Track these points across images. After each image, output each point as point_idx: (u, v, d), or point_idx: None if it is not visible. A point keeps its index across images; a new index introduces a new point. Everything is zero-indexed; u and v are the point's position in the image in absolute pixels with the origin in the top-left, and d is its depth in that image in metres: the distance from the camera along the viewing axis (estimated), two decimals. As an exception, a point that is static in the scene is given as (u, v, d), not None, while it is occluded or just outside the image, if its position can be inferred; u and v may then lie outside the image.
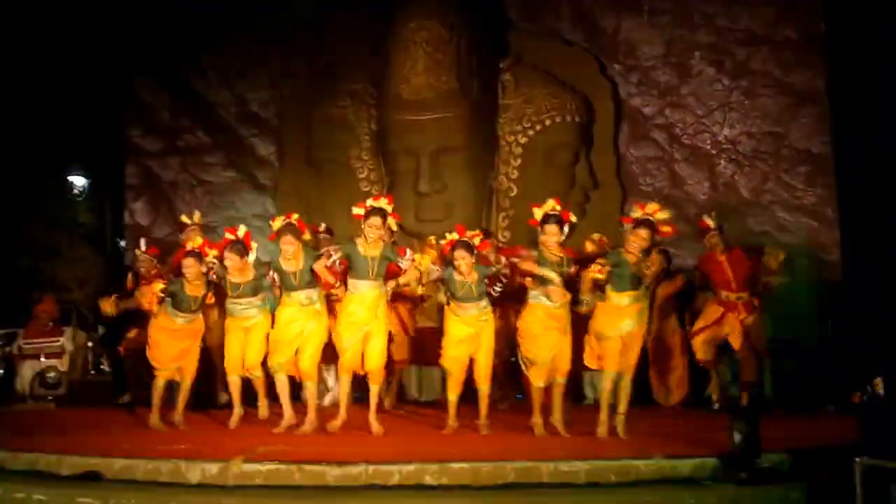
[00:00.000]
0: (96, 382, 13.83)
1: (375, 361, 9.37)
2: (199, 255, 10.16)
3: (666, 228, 9.74)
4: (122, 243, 16.37)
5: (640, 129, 14.32)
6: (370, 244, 9.25)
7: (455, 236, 9.67)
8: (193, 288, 10.03)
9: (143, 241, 12.22)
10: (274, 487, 7.27)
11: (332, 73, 15.34)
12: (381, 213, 9.31)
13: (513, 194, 14.24)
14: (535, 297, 9.16)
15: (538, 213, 9.17)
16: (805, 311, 12.90)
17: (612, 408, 9.03)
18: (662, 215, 9.44)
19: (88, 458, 7.87)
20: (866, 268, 12.77)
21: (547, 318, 9.13)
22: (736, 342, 10.96)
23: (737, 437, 7.28)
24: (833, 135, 13.54)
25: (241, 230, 10.00)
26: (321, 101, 15.09)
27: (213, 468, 7.44)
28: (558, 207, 9.22)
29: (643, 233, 8.87)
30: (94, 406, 12.41)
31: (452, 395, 9.69)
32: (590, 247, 11.58)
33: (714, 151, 14.02)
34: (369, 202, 9.42)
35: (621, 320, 8.92)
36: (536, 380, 9.19)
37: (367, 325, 9.30)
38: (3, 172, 16.30)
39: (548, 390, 9.38)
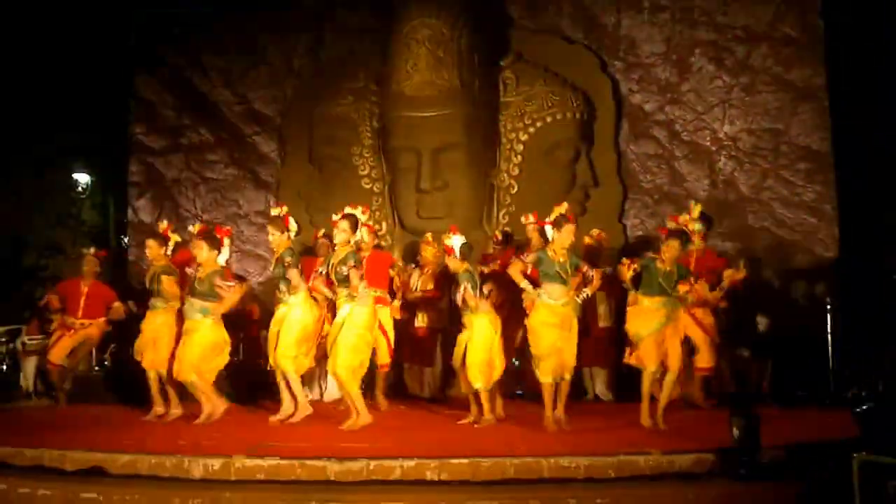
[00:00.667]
0: (100, 379, 13.86)
1: (333, 366, 9.74)
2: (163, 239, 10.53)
3: (697, 239, 10.69)
4: (126, 240, 16.43)
5: (640, 127, 14.32)
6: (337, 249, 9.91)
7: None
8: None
9: (92, 248, 12.70)
10: (276, 482, 7.39)
11: (333, 72, 15.37)
12: (352, 219, 9.99)
13: (514, 191, 14.25)
14: (540, 295, 9.50)
15: (555, 212, 9.81)
16: (804, 307, 13.00)
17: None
18: (695, 226, 10.69)
19: (92, 454, 8.00)
20: (865, 264, 12.82)
21: (551, 316, 9.43)
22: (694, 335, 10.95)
23: (736, 432, 7.40)
24: (832, 131, 13.57)
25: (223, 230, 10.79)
26: (323, 98, 15.11)
27: (215, 463, 7.59)
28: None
29: (674, 243, 9.61)
30: (97, 402, 12.46)
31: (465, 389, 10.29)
32: (588, 242, 11.74)
33: (714, 148, 14.01)
34: (347, 209, 10.16)
35: (651, 322, 9.47)
36: (544, 376, 9.47)
37: (336, 330, 9.70)
38: (7, 170, 16.40)
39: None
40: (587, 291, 9.62)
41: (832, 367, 11.70)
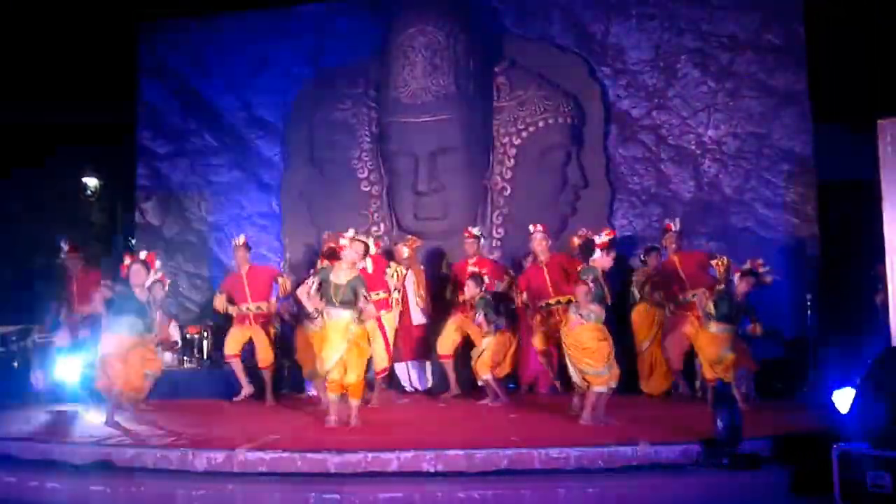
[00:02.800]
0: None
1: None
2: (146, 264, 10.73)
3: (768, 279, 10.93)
4: (133, 242, 16.64)
5: (628, 130, 14.53)
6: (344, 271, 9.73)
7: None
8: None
9: (64, 242, 12.93)
10: (277, 474, 7.61)
11: (333, 78, 15.57)
12: (366, 246, 10.07)
13: (507, 193, 14.46)
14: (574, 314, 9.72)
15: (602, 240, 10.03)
16: (786, 304, 13.17)
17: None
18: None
19: (100, 448, 8.27)
20: (844, 263, 13.06)
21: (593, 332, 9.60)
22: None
23: (720, 424, 7.60)
24: (813, 135, 13.80)
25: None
26: (323, 104, 15.32)
27: (218, 456, 7.82)
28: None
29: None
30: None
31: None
32: (577, 242, 12.06)
33: (699, 151, 14.24)
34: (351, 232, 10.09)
35: (721, 348, 10.43)
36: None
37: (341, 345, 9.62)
38: (20, 175, 16.56)
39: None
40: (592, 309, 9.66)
41: (812, 361, 12.00)
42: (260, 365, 12.28)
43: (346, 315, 9.57)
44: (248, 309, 12.36)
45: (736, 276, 10.66)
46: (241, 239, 12.70)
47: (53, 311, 13.30)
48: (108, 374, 10.01)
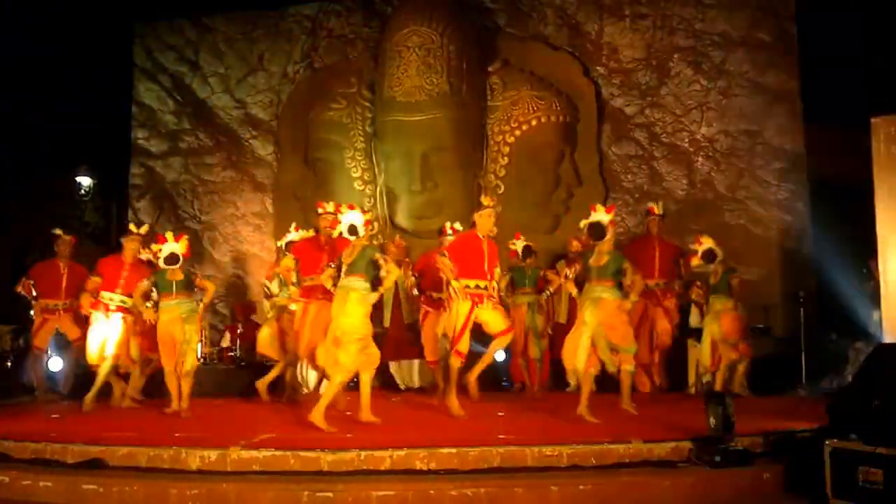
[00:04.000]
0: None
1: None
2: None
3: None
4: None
5: (621, 129, 14.62)
6: None
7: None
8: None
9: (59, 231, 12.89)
10: (271, 473, 7.56)
11: (327, 77, 15.66)
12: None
13: (500, 191, 14.46)
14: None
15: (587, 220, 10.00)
16: (778, 301, 13.31)
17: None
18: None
19: (93, 447, 8.16)
20: (835, 260, 13.10)
21: (586, 313, 9.58)
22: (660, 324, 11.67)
23: (712, 421, 7.57)
24: (805, 132, 13.87)
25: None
26: (317, 103, 15.37)
27: (212, 455, 7.75)
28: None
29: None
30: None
31: None
32: (576, 245, 12.00)
33: (692, 149, 14.32)
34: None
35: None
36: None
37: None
38: (14, 174, 16.57)
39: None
40: (633, 298, 9.67)
41: (804, 357, 12.05)
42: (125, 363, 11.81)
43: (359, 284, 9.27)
44: (109, 298, 11.49)
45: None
46: (145, 228, 12.18)
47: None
48: None
